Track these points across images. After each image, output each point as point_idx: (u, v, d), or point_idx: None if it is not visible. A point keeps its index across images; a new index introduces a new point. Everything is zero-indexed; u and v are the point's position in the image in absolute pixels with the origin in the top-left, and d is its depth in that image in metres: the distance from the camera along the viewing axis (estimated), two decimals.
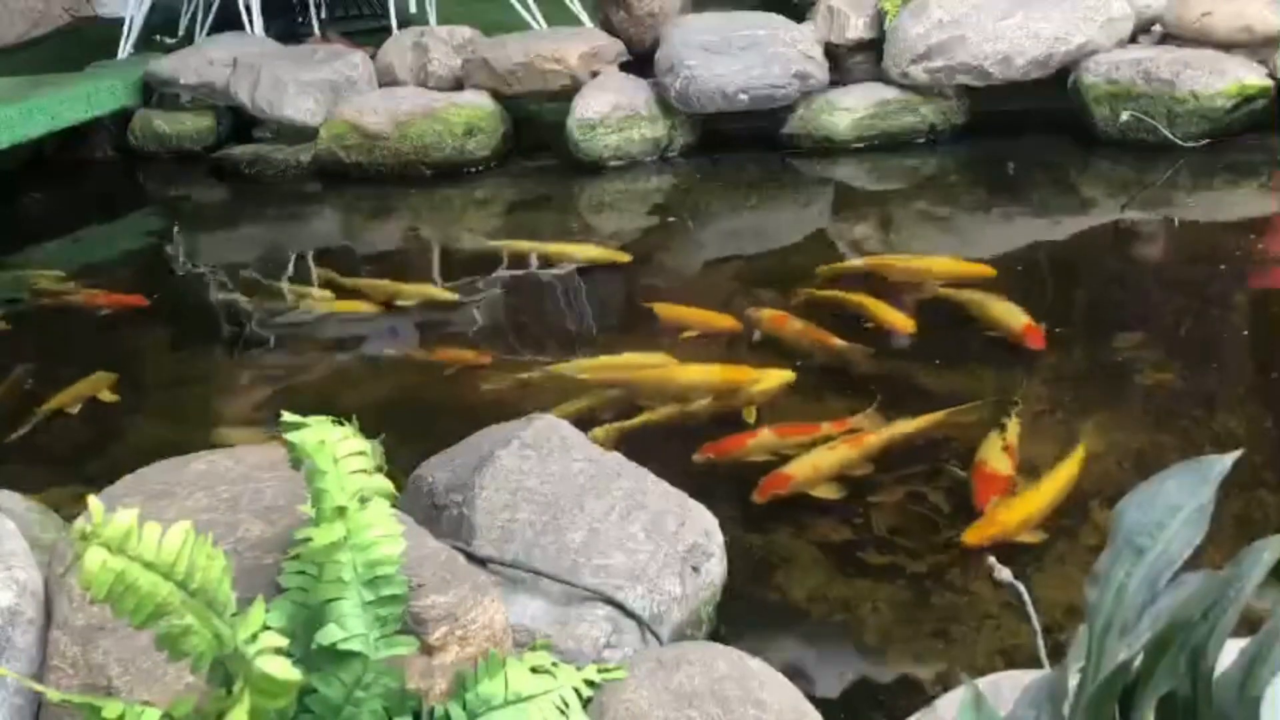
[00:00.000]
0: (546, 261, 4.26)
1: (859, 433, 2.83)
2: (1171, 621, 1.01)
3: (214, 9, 6.73)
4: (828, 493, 2.63)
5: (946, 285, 3.64)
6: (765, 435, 2.85)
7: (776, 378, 3.12)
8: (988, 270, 3.73)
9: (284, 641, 1.39)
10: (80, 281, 4.40)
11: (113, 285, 4.31)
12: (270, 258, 4.82)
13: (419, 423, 3.11)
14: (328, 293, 4.11)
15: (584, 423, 2.77)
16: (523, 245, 4.42)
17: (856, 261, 4.06)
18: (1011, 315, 3.34)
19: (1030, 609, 2.05)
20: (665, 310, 3.68)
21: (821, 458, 2.72)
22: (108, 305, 4.14)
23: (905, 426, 2.84)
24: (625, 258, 4.19)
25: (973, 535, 2.42)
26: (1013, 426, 2.78)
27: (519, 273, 4.24)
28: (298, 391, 3.46)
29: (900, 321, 3.42)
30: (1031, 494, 2.54)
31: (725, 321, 3.53)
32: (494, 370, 3.37)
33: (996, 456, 2.66)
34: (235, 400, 3.53)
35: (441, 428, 2.41)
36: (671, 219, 4.81)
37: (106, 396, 3.38)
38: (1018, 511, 2.48)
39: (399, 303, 3.92)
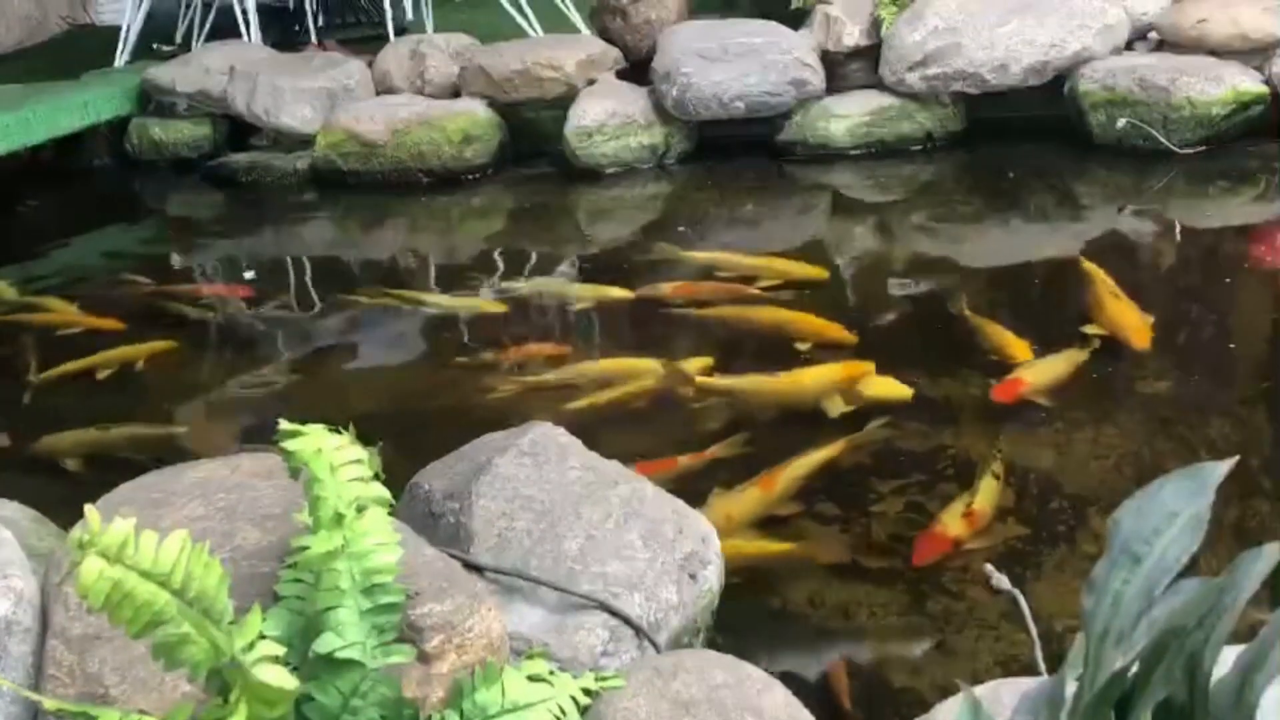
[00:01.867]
0: (749, 276, 3.99)
1: (769, 473, 2.72)
2: (1168, 629, 1.01)
3: (211, 17, 6.73)
4: (763, 543, 2.52)
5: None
6: None
7: (893, 389, 3.05)
8: (1144, 333, 3.30)
9: (281, 650, 1.39)
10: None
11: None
12: (273, 262, 4.82)
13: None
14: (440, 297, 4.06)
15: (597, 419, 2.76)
16: (724, 257, 4.21)
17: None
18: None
19: (1028, 617, 2.05)
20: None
21: (732, 506, 2.61)
22: (210, 295, 4.21)
23: (806, 461, 2.74)
24: (821, 273, 3.97)
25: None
26: (987, 485, 2.61)
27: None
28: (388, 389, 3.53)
29: (1015, 350, 3.23)
30: None
31: (834, 332, 3.46)
32: (566, 361, 3.41)
33: (953, 519, 2.52)
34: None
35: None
36: (681, 228, 4.79)
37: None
38: None
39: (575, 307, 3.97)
